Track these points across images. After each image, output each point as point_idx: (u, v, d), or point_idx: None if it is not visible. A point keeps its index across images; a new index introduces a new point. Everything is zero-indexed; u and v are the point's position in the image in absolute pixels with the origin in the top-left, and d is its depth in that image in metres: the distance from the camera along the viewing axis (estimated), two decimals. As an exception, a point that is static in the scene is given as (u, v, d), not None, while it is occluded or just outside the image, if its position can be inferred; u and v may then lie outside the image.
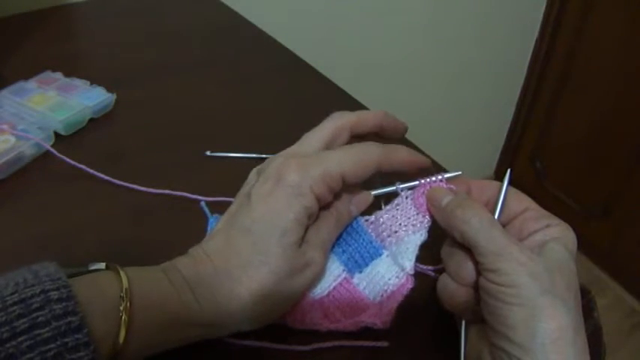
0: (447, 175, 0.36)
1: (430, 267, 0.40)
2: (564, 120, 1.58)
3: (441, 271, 0.35)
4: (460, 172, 0.36)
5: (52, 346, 0.25)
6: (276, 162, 0.34)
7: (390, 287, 0.35)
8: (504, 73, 1.58)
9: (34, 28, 0.71)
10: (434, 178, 0.36)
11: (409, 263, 0.35)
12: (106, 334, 0.27)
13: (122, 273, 0.29)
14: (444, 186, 0.35)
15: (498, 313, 0.29)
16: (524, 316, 0.28)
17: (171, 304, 0.30)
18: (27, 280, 0.26)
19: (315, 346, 0.35)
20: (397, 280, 0.35)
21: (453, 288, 0.33)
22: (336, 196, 0.35)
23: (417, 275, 0.36)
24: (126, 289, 0.29)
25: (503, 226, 0.33)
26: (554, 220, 0.33)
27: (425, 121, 1.47)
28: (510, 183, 0.35)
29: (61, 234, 0.42)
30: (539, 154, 1.67)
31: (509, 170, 0.36)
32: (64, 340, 0.25)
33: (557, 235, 0.32)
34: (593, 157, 1.52)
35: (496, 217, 0.34)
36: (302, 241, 0.33)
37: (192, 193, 0.46)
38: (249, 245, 0.32)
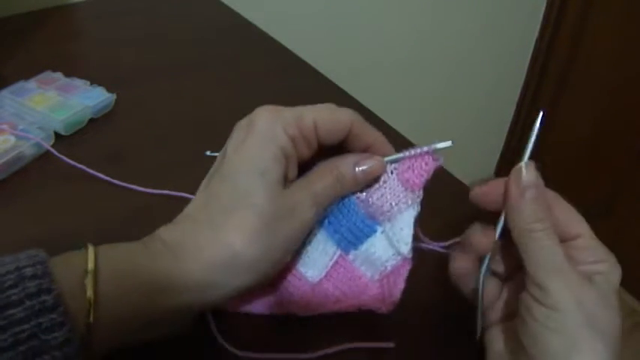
0: (435, 146, 0.33)
1: (439, 243, 0.38)
2: (564, 120, 1.58)
3: (449, 248, 0.35)
4: (450, 143, 0.33)
5: (26, 326, 0.24)
6: (247, 116, 0.33)
7: (389, 268, 0.34)
8: (504, 73, 1.58)
9: (34, 28, 0.71)
10: (419, 150, 0.33)
11: (406, 247, 0.33)
12: (77, 312, 0.26)
13: (90, 248, 0.28)
14: (432, 161, 0.33)
15: (538, 338, 0.28)
16: (563, 346, 0.27)
17: (145, 270, 0.29)
18: (4, 259, 0.26)
19: (321, 353, 0.34)
20: (395, 262, 0.34)
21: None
22: (340, 157, 0.34)
23: (421, 274, 0.35)
24: (91, 268, 0.27)
25: None
26: (604, 255, 0.32)
27: (425, 120, 1.47)
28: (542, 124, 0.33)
29: (60, 234, 0.42)
30: (539, 154, 1.67)
31: (541, 113, 0.34)
32: (38, 320, 0.24)
33: (604, 270, 0.31)
34: (593, 157, 1.52)
35: (526, 159, 0.33)
36: (285, 182, 0.32)
37: (192, 193, 0.45)
38: (230, 190, 0.30)
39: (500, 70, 1.56)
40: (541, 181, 0.32)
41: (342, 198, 0.34)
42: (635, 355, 1.39)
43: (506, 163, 1.78)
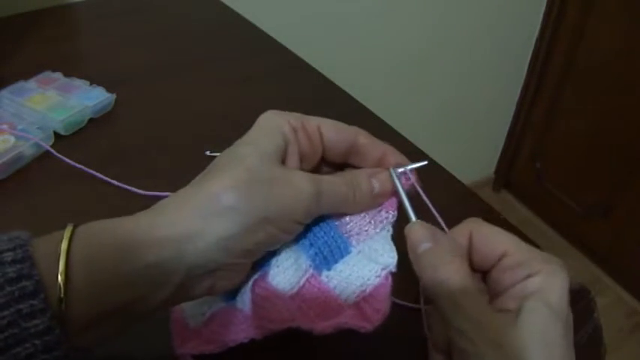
0: (406, 167, 0.34)
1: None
2: (564, 120, 1.58)
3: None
4: (421, 164, 0.34)
5: (6, 313, 0.23)
6: None
7: (369, 288, 0.32)
8: (504, 73, 1.58)
9: (34, 28, 0.71)
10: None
11: (392, 260, 0.32)
12: (53, 285, 0.24)
13: (71, 224, 0.27)
14: (404, 181, 0.33)
15: None
16: None
17: (123, 228, 0.28)
18: None
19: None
20: (378, 279, 0.32)
21: (434, 356, 0.31)
22: (353, 169, 0.34)
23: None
24: (67, 235, 0.26)
25: (483, 277, 0.31)
26: (535, 267, 0.29)
27: (425, 121, 1.47)
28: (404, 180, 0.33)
29: (60, 234, 0.42)
30: (539, 154, 1.67)
31: (394, 170, 0.33)
32: (17, 306, 0.23)
33: (536, 289, 0.28)
34: (593, 157, 1.52)
35: (413, 218, 0.32)
36: (284, 162, 0.31)
37: (192, 193, 0.46)
38: (227, 157, 0.30)
39: (501, 70, 1.56)
40: (434, 233, 0.31)
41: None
42: (635, 355, 1.39)
43: (506, 163, 1.78)
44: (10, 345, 0.23)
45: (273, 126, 0.31)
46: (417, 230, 0.31)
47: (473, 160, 1.75)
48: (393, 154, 0.34)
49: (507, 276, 0.29)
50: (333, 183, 0.31)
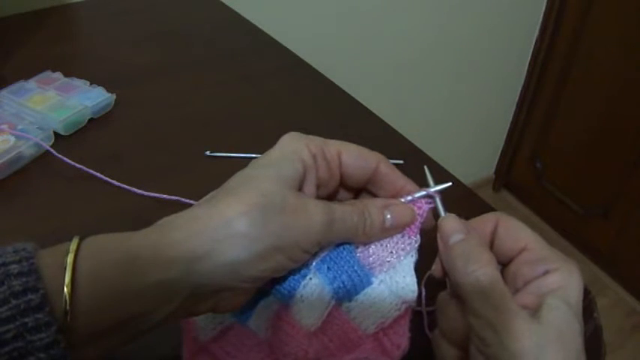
0: (427, 191, 0.33)
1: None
2: (564, 120, 1.58)
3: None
4: (450, 184, 0.33)
5: (11, 326, 0.23)
6: None
7: (389, 320, 0.32)
8: (504, 73, 1.58)
9: (34, 28, 0.71)
10: (411, 197, 0.33)
11: (412, 295, 0.32)
12: (57, 298, 0.24)
13: (77, 236, 0.27)
14: (424, 204, 0.33)
15: None
16: None
17: (129, 245, 0.27)
18: None
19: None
20: (398, 312, 0.32)
21: (445, 348, 0.31)
22: (368, 198, 0.34)
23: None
24: (73, 249, 0.26)
25: (501, 272, 0.31)
26: (553, 264, 0.30)
27: (425, 121, 1.47)
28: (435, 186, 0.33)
29: (59, 234, 0.42)
30: (539, 154, 1.67)
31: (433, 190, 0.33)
32: (23, 320, 0.23)
33: (556, 286, 0.29)
34: (593, 157, 1.52)
35: (442, 214, 0.33)
36: (301, 189, 0.31)
37: (192, 193, 0.45)
38: (242, 178, 0.30)
39: (501, 70, 1.56)
40: (466, 226, 0.32)
41: (339, 246, 0.33)
42: (636, 354, 1.39)
43: (506, 163, 1.78)
44: (15, 358, 0.23)
45: (292, 151, 0.31)
46: (450, 222, 0.32)
47: (473, 160, 1.75)
48: (413, 188, 0.34)
49: (526, 270, 0.30)
50: (345, 212, 0.31)
